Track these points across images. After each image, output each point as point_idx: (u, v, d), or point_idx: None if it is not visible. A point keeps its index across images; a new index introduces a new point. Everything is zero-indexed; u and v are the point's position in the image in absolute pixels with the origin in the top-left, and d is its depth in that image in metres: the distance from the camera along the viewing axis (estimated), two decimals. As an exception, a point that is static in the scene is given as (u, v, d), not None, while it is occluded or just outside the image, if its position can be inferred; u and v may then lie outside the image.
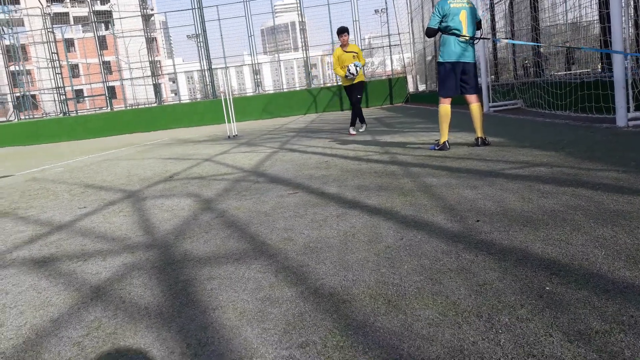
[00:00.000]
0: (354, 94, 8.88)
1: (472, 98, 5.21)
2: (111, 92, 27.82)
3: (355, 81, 8.74)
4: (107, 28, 42.45)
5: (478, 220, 2.42)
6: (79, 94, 39.33)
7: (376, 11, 26.01)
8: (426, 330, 1.40)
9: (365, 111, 19.13)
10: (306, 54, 25.14)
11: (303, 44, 25.32)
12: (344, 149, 6.33)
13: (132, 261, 2.40)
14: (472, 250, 2.02)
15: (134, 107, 27.74)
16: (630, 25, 7.44)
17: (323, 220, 2.79)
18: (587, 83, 7.10)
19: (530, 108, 9.35)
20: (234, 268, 2.13)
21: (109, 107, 25.69)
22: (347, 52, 8.70)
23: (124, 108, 26.90)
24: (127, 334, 1.59)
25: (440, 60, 5.15)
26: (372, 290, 1.73)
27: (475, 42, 5.15)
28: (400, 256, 2.05)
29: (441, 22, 5.06)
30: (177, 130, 21.19)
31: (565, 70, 12.94)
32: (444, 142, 5.15)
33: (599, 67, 9.01)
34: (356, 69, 8.43)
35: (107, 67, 29.26)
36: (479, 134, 5.14)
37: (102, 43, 30.70)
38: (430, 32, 5.14)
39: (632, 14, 7.68)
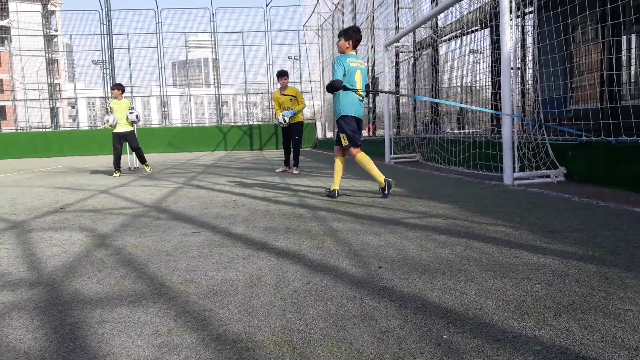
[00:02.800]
0: (291, 134, 8.98)
1: (358, 150, 5.30)
2: (1, 112, 25.59)
3: (292, 121, 8.82)
4: (2, 44, 39.41)
5: (380, 267, 2.50)
6: (-40, 110, 35.69)
7: (289, 57, 26.74)
8: (330, 379, 1.39)
9: (276, 152, 19.29)
10: (218, 90, 25.05)
11: (215, 80, 25.24)
12: (252, 189, 6.29)
13: (12, 300, 2.16)
14: (375, 296, 2.07)
15: (26, 130, 25.69)
16: (517, 93, 8.33)
17: (229, 262, 2.72)
18: (478, 142, 7.76)
19: (427, 162, 9.99)
20: (129, 311, 2.00)
21: (-4, 128, 23.53)
22: (285, 94, 8.82)
23: (14, 130, 24.80)
24: (0, 385, 1.41)
25: (344, 113, 5.20)
26: (277, 336, 1.70)
27: (364, 99, 5.37)
28: (307, 301, 2.04)
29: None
30: (74, 158, 19.86)
31: (459, 129, 14.06)
32: (383, 185, 5.07)
33: (489, 127, 9.91)
34: (284, 119, 8.57)
35: (-3, 84, 26.97)
36: (381, 180, 5.14)
37: (-5, 59, 28.37)
38: (337, 85, 5.07)
39: (519, 83, 8.61)
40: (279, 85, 9.05)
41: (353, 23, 17.91)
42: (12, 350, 1.63)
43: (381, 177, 5.08)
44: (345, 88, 5.13)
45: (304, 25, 26.02)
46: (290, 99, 8.81)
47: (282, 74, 8.87)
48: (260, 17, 25.52)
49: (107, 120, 9.12)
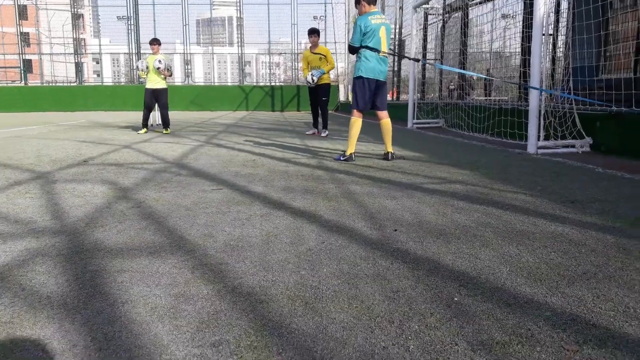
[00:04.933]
0: (318, 96, 8.85)
1: (383, 114, 5.36)
2: (27, 66, 25.87)
3: (320, 82, 8.70)
4: (28, -4, 39.43)
5: (396, 230, 2.50)
6: (-12, 62, 36.17)
7: (315, 17, 26.20)
8: (340, 334, 1.42)
9: (297, 115, 19.22)
10: (241, 50, 24.84)
11: (239, 39, 25.00)
12: (272, 149, 6.31)
13: (36, 247, 2.24)
14: (388, 257, 2.08)
15: (51, 84, 26.00)
16: (547, 60, 8.07)
17: (246, 219, 2.75)
18: (504, 110, 7.59)
19: (450, 128, 9.84)
20: (148, 262, 2.05)
21: (24, 82, 23.86)
22: (314, 53, 8.68)
23: (39, 84, 25.13)
24: (25, 324, 1.47)
25: (359, 74, 5.18)
26: (290, 291, 1.74)
27: (387, 58, 5.30)
28: (321, 259, 2.07)
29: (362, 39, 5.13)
30: (97, 113, 20.11)
31: (485, 96, 13.75)
32: (351, 154, 5.23)
33: (516, 94, 9.67)
34: (312, 78, 8.44)
35: (25, 38, 27.16)
36: (389, 148, 5.32)
37: (22, 12, 28.47)
38: (353, 49, 5.19)
39: (550, 50, 8.33)
40: (309, 45, 8.88)
41: (381, -18, 17.39)
42: (35, 294, 1.70)
43: (351, 150, 5.24)
44: (367, 47, 5.06)
45: (330, -16, 25.36)
46: (320, 58, 8.64)
47: (313, 32, 8.66)
48: (287, -26, 24.88)
49: (137, 67, 9.14)
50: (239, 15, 25.28)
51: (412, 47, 11.17)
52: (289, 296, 1.69)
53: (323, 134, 8.69)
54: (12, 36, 25.94)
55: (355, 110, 5.28)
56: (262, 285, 1.80)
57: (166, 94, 9.33)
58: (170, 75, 9.34)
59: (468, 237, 2.37)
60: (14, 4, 23.74)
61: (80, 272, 1.92)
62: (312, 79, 8.47)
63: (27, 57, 27.01)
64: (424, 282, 1.81)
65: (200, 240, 2.36)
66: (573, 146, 5.80)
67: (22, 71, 23.70)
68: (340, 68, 24.37)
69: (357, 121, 5.25)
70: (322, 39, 25.05)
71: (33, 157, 5.43)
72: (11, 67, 28.20)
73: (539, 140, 5.85)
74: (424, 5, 11.03)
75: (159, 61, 8.91)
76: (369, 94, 5.22)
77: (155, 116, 10.66)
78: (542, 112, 6.01)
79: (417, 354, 1.31)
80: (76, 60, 24.68)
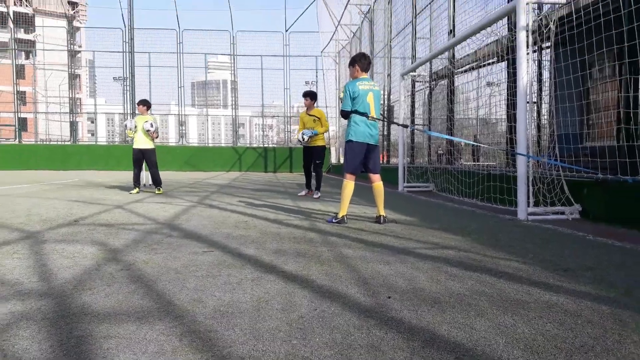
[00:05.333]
0: (312, 158, 8.99)
1: (375, 177, 5.45)
2: (22, 124, 26.14)
3: (314, 144, 8.87)
4: (27, 57, 40.52)
5: (390, 297, 2.47)
6: (-17, 120, 36.54)
7: (307, 82, 27.05)
8: (334, 409, 1.37)
9: (289, 176, 19.38)
10: (235, 112, 25.37)
11: (233, 102, 25.59)
12: (264, 211, 6.31)
13: (21, 310, 2.17)
14: (382, 327, 2.04)
15: (45, 143, 26.16)
16: (533, 127, 8.31)
17: (237, 283, 2.71)
18: (492, 175, 7.72)
19: (441, 192, 9.94)
20: (135, 327, 1.99)
21: (18, 139, 24.01)
22: (309, 115, 8.91)
23: (34, 142, 25.28)
24: (4, 395, 1.41)
25: (350, 138, 5.31)
26: (281, 362, 1.69)
27: (376, 122, 5.45)
28: (313, 328, 2.03)
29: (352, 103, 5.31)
30: (91, 172, 20.13)
31: (474, 162, 14.00)
32: (343, 217, 5.26)
33: (504, 160, 9.87)
34: (303, 137, 8.65)
35: (21, 97, 27.62)
36: (381, 212, 5.36)
37: (20, 72, 29.15)
38: (344, 114, 5.35)
39: (535, 118, 8.59)
40: (303, 107, 9.15)
41: (370, 51, 18.15)
42: (17, 361, 1.64)
43: (343, 212, 5.28)
44: (357, 112, 5.22)
45: (321, 52, 26.41)
46: (314, 120, 8.86)
47: (306, 94, 8.93)
48: (280, 41, 25.88)
49: (126, 125, 9.24)
50: (233, 79, 26.03)
51: (401, 113, 11.49)
52: (281, 367, 1.64)
53: (315, 195, 8.74)
54: (8, 95, 26.39)
55: (347, 174, 5.36)
56: (252, 355, 1.75)
57: (154, 153, 9.43)
58: (157, 137, 9.46)
59: (463, 305, 2.34)
60: (12, 64, 24.31)
61: (65, 338, 1.86)
62: (302, 137, 8.66)
63: (23, 115, 27.35)
64: (420, 354, 1.76)
65: (189, 305, 2.31)
66: (563, 213, 5.86)
67: (17, 129, 23.91)
68: (332, 131, 24.89)
69: (349, 184, 5.31)
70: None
71: (23, 216, 5.38)
72: (6, 125, 28.47)
73: (528, 206, 5.91)
74: (411, 73, 11.45)
75: (150, 124, 9.05)
76: (360, 158, 5.31)
77: (148, 176, 10.70)
78: (531, 178, 6.12)
79: None
80: (71, 119, 24.99)
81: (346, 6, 20.84)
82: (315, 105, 9.10)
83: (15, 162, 21.27)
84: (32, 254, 3.42)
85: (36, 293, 2.45)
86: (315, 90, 9.58)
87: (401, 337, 1.92)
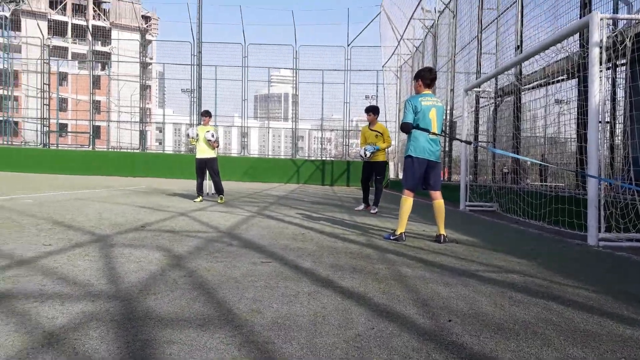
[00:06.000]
0: (371, 172, 9.02)
1: (436, 194, 5.32)
2: (96, 132, 27.78)
3: (375, 159, 8.88)
4: (103, 69, 43.16)
5: (450, 320, 2.40)
6: (62, 127, 39.15)
7: (367, 97, 27.07)
8: None
9: (346, 190, 19.38)
10: (295, 125, 25.74)
11: (294, 115, 26.00)
12: (321, 224, 6.33)
13: (91, 310, 2.29)
14: (442, 351, 1.98)
15: (116, 150, 27.61)
16: (605, 148, 7.88)
17: (294, 296, 2.73)
18: (561, 197, 7.37)
19: (505, 213, 9.59)
20: (197, 334, 2.04)
21: (91, 146, 25.52)
22: (372, 130, 8.93)
23: (105, 149, 26.77)
24: (75, 392, 1.48)
25: (409, 153, 5.24)
26: (338, 379, 1.67)
27: (438, 138, 5.33)
28: (370, 347, 2.00)
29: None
30: (157, 179, 21.02)
31: (541, 182, 13.44)
32: (401, 234, 5.16)
33: (573, 182, 9.41)
34: (365, 152, 8.66)
35: (96, 106, 29.40)
36: (441, 230, 5.22)
37: (96, 82, 31.07)
38: (406, 128, 5.22)
39: (608, 138, 8.15)
40: (363, 122, 9.16)
41: (433, 65, 17.92)
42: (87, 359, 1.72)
43: (401, 229, 5.18)
44: (418, 127, 5.14)
45: (383, 66, 26.36)
46: (376, 135, 8.84)
47: (369, 110, 8.91)
48: (341, 56, 26.11)
49: (188, 134, 9.57)
50: (294, 92, 26.47)
51: (464, 129, 11.22)
52: (338, 385, 1.63)
53: (373, 211, 8.68)
54: (85, 104, 28.14)
55: (405, 190, 5.29)
56: (310, 370, 1.74)
57: (216, 162, 9.70)
58: (218, 147, 9.72)
59: (528, 334, 2.24)
60: (89, 74, 25.92)
61: (131, 340, 1.93)
62: (364, 153, 8.64)
63: (97, 123, 29.05)
64: (482, 381, 1.70)
65: (248, 315, 2.34)
66: (638, 240, 5.49)
67: (92, 136, 25.41)
68: (391, 146, 24.69)
69: (407, 200, 5.23)
70: (374, 117, 25.69)
71: (95, 220, 5.68)
72: (82, 132, 30.35)
73: (599, 231, 5.59)
74: (475, 89, 11.19)
75: (212, 134, 9.33)
76: (419, 174, 5.22)
77: (211, 185, 11.02)
78: (602, 202, 5.79)
79: None
80: (141, 129, 26.28)
81: (410, 21, 20.74)
82: (377, 120, 9.07)
83: (88, 167, 22.57)
84: (102, 256, 3.59)
85: (105, 295, 2.57)
86: (377, 105, 9.47)
87: (462, 363, 1.86)
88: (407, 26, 21.39)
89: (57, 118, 28.06)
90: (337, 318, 2.37)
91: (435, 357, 1.91)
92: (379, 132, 8.84)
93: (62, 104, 42.72)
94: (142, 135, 26.07)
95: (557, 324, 2.41)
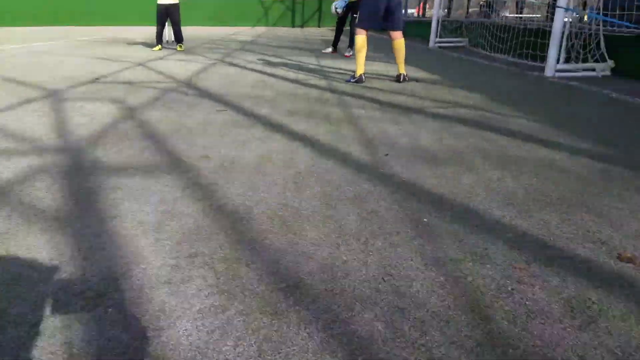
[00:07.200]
0: (347, 11, 8.10)
1: (395, 34, 5.14)
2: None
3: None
4: None
5: (387, 154, 2.54)
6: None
7: None
8: (308, 249, 1.52)
9: (317, 31, 18.66)
10: (261, -38, 23.70)
11: (259, -50, 23.78)
12: (284, 69, 6.24)
13: (38, 163, 2.36)
14: (372, 181, 2.14)
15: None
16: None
17: (245, 142, 2.82)
18: (528, 30, 7.25)
19: (474, 48, 9.48)
20: (142, 180, 2.15)
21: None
22: None
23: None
24: (20, 235, 1.61)
25: None
26: (271, 211, 1.83)
27: None
28: (307, 182, 2.14)
29: None
30: (116, 27, 19.86)
31: (517, 13, 13.05)
32: (360, 75, 5.12)
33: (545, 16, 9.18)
34: (337, 11, 7.82)
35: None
36: (401, 70, 5.19)
37: None
38: None
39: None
40: None
41: None
42: (32, 208, 1.83)
43: (360, 70, 5.12)
44: None
45: None
46: None
47: None
48: None
49: None
50: None
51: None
52: (269, 215, 1.79)
53: (348, 54, 8.40)
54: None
55: (357, 29, 5.11)
56: (246, 205, 1.89)
57: (178, 10, 9.18)
58: None
59: (456, 161, 2.40)
60: None
61: (76, 189, 2.04)
62: (335, 11, 8.06)
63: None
64: (400, 204, 1.87)
65: (195, 161, 2.44)
66: (593, 70, 5.58)
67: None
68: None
69: (359, 39, 5.07)
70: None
71: (46, 75, 5.50)
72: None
73: (558, 62, 5.63)
74: None
75: None
76: (375, 13, 4.99)
77: (170, 33, 10.51)
78: (566, 33, 5.73)
79: (373, 268, 1.40)
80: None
81: None
82: None
83: (38, 17, 21.08)
84: (52, 111, 3.57)
85: (53, 149, 2.63)
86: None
87: (387, 190, 2.02)
88: None
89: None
90: (281, 159, 2.49)
91: (364, 187, 2.07)
92: None
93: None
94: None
95: (488, 151, 2.57)
